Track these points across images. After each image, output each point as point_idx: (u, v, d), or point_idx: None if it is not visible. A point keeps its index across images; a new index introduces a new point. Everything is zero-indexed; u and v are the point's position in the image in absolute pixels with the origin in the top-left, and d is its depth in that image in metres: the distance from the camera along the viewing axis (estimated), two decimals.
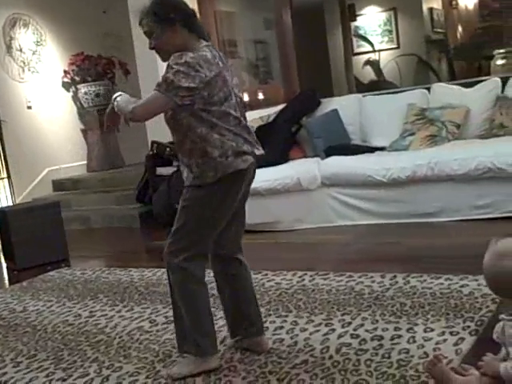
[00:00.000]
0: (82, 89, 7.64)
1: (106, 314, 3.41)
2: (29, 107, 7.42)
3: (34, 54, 7.54)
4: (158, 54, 2.51)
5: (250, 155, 2.48)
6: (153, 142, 6.05)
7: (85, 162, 7.89)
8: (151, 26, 2.44)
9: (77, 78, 7.69)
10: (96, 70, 7.59)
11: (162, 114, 2.48)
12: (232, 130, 2.44)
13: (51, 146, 7.62)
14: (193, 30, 2.46)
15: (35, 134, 7.44)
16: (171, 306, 2.61)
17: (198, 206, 2.45)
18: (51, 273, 4.60)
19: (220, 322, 2.89)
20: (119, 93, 2.57)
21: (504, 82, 4.88)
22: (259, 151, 2.55)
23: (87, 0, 7.81)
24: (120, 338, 3.02)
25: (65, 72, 7.72)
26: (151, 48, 2.50)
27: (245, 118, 2.55)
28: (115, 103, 2.50)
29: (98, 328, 3.21)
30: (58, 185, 7.49)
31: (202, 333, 2.49)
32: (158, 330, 3.04)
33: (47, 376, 2.70)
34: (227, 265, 2.66)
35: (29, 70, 7.50)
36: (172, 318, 3.11)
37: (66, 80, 7.76)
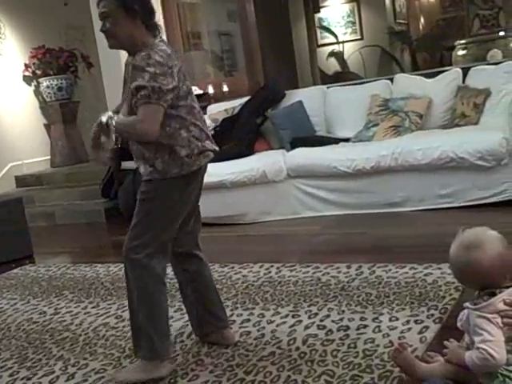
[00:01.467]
0: (44, 82, 7.51)
1: (72, 311, 3.37)
2: (110, 117, 7.26)
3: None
4: (107, 39, 2.41)
5: (212, 151, 2.52)
6: (117, 136, 5.99)
7: (48, 157, 7.78)
8: (112, 9, 2.34)
9: (38, 72, 7.55)
10: (58, 63, 7.47)
11: None
12: (198, 124, 2.45)
13: (13, 141, 7.48)
14: (150, 28, 2.40)
15: None
16: (128, 305, 2.52)
17: (160, 199, 2.42)
18: (15, 270, 4.52)
19: (178, 324, 2.88)
20: (109, 113, 2.44)
21: (465, 72, 4.94)
22: (216, 147, 2.58)
23: None
24: (86, 334, 2.99)
25: (25, 66, 7.57)
26: (103, 30, 2.38)
27: None
28: (112, 126, 2.37)
29: (64, 325, 3.17)
30: (22, 180, 7.36)
31: (158, 334, 2.42)
32: (124, 326, 3.01)
33: (11, 375, 2.65)
34: (187, 262, 2.65)
35: None
36: None
37: (27, 74, 7.62)
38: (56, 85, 7.48)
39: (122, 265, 4.08)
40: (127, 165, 5.84)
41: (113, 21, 2.35)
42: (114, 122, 2.37)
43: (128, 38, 2.36)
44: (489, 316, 1.75)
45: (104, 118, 2.40)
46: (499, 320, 1.75)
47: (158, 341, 2.41)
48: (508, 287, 1.79)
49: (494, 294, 1.78)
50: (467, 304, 1.84)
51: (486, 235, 1.85)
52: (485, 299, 1.79)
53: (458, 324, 1.93)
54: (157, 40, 2.41)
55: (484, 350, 1.74)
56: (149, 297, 2.43)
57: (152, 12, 2.44)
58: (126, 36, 2.36)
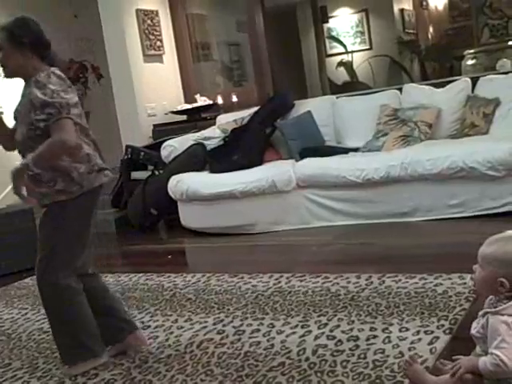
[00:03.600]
0: None
1: None
2: (0, 113, 7.32)
3: None
4: (2, 68, 2.64)
5: (109, 170, 2.73)
6: (127, 147, 6.03)
7: None
8: (3, 42, 2.57)
9: None
10: (68, 74, 7.50)
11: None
12: (91, 144, 2.65)
13: None
14: (44, 59, 2.62)
15: None
16: (50, 320, 2.72)
17: (67, 221, 2.58)
18: (26, 280, 4.54)
19: (188, 334, 2.89)
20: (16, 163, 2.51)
21: (474, 81, 4.94)
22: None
23: (58, 4, 7.74)
24: None
25: None
26: None
27: None
28: (30, 160, 2.44)
29: None
30: None
31: (92, 337, 2.67)
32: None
33: None
34: (89, 280, 2.77)
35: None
36: (149, 324, 3.11)
37: None
38: None
39: (132, 274, 4.16)
40: (137, 175, 5.88)
41: (3, 52, 2.58)
42: (26, 163, 2.44)
43: (19, 68, 2.59)
44: (509, 320, 1.75)
45: (13, 169, 2.46)
46: None
47: (92, 343, 2.69)
48: None
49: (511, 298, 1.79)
50: (486, 309, 1.84)
51: None
52: (504, 302, 1.79)
53: (473, 332, 1.91)
54: (52, 68, 2.60)
55: (497, 356, 1.73)
56: (74, 309, 2.64)
57: (45, 45, 2.65)
58: (16, 66, 2.59)
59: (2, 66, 2.63)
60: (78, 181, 2.54)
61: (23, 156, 2.56)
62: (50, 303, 2.65)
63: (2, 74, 2.68)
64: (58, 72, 2.59)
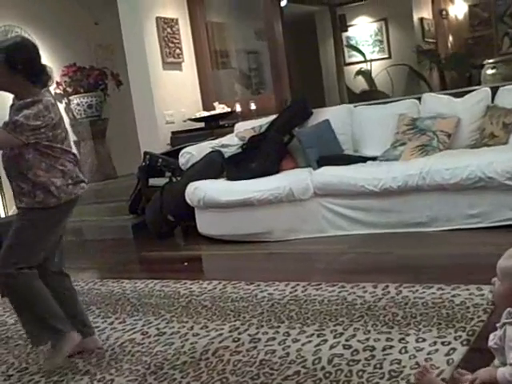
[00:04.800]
0: (75, 100, 7.63)
1: (99, 326, 3.39)
2: None
3: None
4: None
5: (85, 183, 2.97)
6: (145, 153, 6.06)
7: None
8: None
9: (69, 90, 7.68)
10: (88, 81, 7.59)
11: None
12: (72, 162, 2.88)
13: None
14: (36, 83, 2.78)
15: None
16: (16, 312, 2.92)
17: (37, 226, 2.81)
18: None
19: (203, 341, 2.88)
20: None
21: (494, 91, 4.91)
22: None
23: (79, 12, 7.83)
24: (112, 350, 3.01)
25: (57, 83, 7.70)
26: None
27: None
28: None
29: None
30: None
31: (57, 318, 2.85)
32: (150, 342, 3.03)
33: None
34: (58, 279, 3.04)
35: None
36: (165, 330, 3.12)
37: (58, 91, 7.75)
38: (86, 102, 7.60)
39: (149, 281, 4.18)
40: (155, 182, 5.91)
41: None
42: None
43: (8, 88, 2.79)
44: None
45: None
46: None
47: (60, 323, 2.85)
48: None
49: None
50: (504, 320, 1.82)
51: None
52: None
53: (490, 343, 1.90)
54: (43, 91, 2.79)
55: None
56: (36, 293, 2.82)
57: (38, 71, 2.79)
58: (7, 86, 2.78)
59: None
60: (56, 194, 2.79)
61: (6, 174, 2.87)
62: (13, 294, 2.84)
63: None
64: (45, 102, 2.73)
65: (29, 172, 2.76)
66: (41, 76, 2.81)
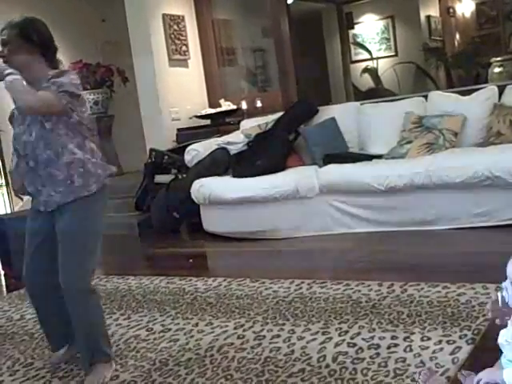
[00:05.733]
0: None
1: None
2: None
3: None
4: (6, 64, 2.53)
5: (111, 172, 2.77)
6: (151, 150, 6.07)
7: None
8: (11, 38, 2.52)
9: None
10: (95, 77, 7.59)
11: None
12: (95, 143, 2.71)
13: None
14: (50, 62, 2.60)
15: None
16: (78, 326, 2.65)
17: (90, 218, 2.63)
18: None
19: (208, 338, 2.88)
20: (10, 70, 2.48)
21: (501, 89, 4.89)
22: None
23: (86, 9, 7.84)
24: (117, 346, 3.01)
25: None
26: (1, 56, 2.53)
27: None
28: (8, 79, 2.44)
29: None
30: None
31: (107, 342, 2.74)
32: (155, 339, 3.03)
33: None
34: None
35: None
36: (170, 327, 3.12)
37: None
38: (93, 99, 7.60)
39: (154, 277, 4.18)
40: (160, 179, 5.91)
41: (10, 47, 2.51)
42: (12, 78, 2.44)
43: (23, 67, 2.50)
44: None
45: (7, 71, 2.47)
46: None
47: (109, 348, 2.75)
48: None
49: None
50: None
51: None
52: None
53: (501, 340, 1.88)
54: (56, 71, 2.58)
55: None
56: (99, 313, 2.73)
57: (54, 48, 2.63)
58: (21, 64, 2.50)
59: (5, 62, 2.52)
60: (93, 174, 2.58)
61: (32, 159, 2.55)
62: (81, 309, 2.61)
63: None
64: (74, 73, 2.63)
65: (64, 151, 2.51)
66: (56, 58, 2.63)
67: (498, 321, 1.89)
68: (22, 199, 2.75)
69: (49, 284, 2.67)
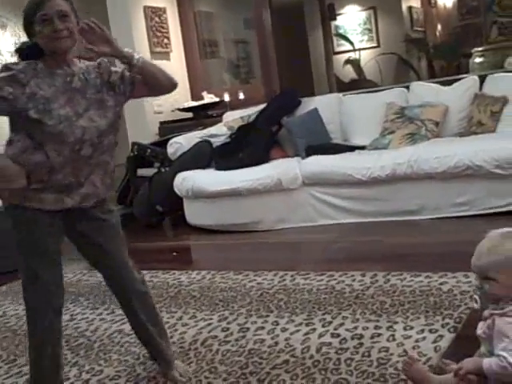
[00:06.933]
0: None
1: (87, 317, 3.39)
2: None
3: (12, 55, 7.46)
4: (62, 39, 2.15)
5: None
6: (134, 144, 6.03)
7: None
8: (69, 9, 2.17)
9: None
10: None
11: None
12: None
13: None
14: None
15: None
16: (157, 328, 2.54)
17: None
18: None
19: (192, 331, 2.87)
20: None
21: (482, 79, 4.92)
22: None
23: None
24: (101, 341, 3.00)
25: None
26: (60, 29, 2.13)
27: None
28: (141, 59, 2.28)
29: (79, 331, 3.19)
30: None
31: None
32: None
33: (27, 381, 2.67)
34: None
35: None
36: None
37: None
38: None
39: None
40: (143, 172, 5.88)
41: (70, 19, 2.17)
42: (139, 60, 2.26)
43: (74, 43, 2.22)
44: None
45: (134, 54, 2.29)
46: None
47: None
48: None
49: None
50: (493, 311, 1.82)
51: None
52: (511, 304, 1.77)
53: (479, 332, 1.90)
54: None
55: (504, 358, 1.72)
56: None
57: None
58: (75, 41, 2.22)
59: (65, 36, 2.15)
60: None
61: (90, 146, 2.22)
62: (154, 306, 2.55)
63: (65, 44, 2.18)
64: None
65: (112, 156, 2.37)
66: None
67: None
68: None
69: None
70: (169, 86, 2.38)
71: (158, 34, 6.74)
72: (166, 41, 6.82)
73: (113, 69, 2.34)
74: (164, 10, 6.83)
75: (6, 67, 2.12)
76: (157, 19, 6.73)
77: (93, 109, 2.23)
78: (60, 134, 2.13)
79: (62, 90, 2.17)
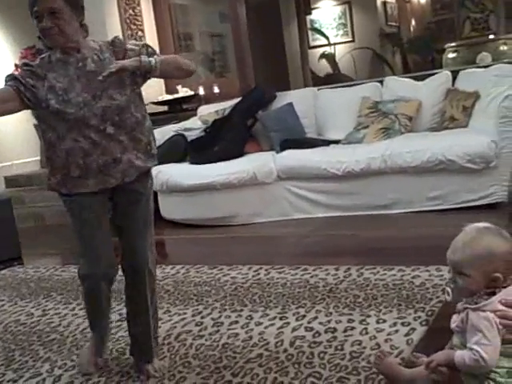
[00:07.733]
0: None
1: (60, 313, 3.35)
2: None
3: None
4: (51, 36, 2.22)
5: None
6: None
7: (38, 157, 7.74)
8: (61, 5, 2.19)
9: None
10: None
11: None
12: None
13: (2, 142, 7.44)
14: (84, 32, 2.34)
15: None
16: (150, 311, 2.50)
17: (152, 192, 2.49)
18: (3, 271, 4.50)
19: (166, 326, 2.87)
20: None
21: (455, 75, 4.97)
22: None
23: None
24: (73, 336, 2.98)
25: (16, 66, 7.53)
26: (47, 28, 2.20)
27: None
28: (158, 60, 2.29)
29: (51, 327, 3.16)
30: (11, 181, 7.32)
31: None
32: (111, 328, 3.00)
33: None
34: None
35: None
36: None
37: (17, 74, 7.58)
38: None
39: None
40: None
41: (62, 16, 2.19)
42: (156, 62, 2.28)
43: (74, 35, 2.25)
44: (489, 316, 1.74)
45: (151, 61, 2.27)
46: (497, 320, 1.74)
47: None
48: (505, 287, 1.78)
49: (493, 294, 1.78)
50: (466, 305, 1.83)
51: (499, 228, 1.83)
52: (485, 298, 1.78)
53: (452, 325, 1.91)
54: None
55: (477, 351, 1.73)
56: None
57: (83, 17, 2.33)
58: (73, 33, 2.24)
59: (54, 33, 2.20)
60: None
61: (112, 125, 2.27)
62: (151, 292, 2.49)
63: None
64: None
65: (146, 115, 2.40)
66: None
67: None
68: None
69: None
70: (184, 75, 2.47)
71: (132, 26, 6.69)
72: (140, 33, 6.77)
73: (128, 46, 2.35)
74: (138, 2, 6.78)
75: (26, 64, 2.30)
76: (131, 11, 6.68)
77: (112, 87, 2.27)
78: (83, 118, 2.23)
79: (76, 78, 2.26)
